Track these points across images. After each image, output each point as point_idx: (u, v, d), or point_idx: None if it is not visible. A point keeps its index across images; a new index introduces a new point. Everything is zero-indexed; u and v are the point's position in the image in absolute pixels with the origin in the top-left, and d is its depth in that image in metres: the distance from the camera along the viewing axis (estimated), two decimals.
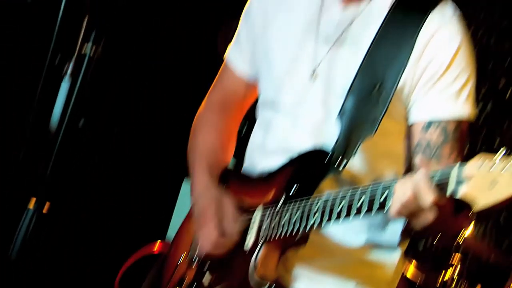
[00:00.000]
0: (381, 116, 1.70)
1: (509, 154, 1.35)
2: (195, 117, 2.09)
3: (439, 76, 1.70)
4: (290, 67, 1.85)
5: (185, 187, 3.64)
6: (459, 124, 1.72)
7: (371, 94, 1.72)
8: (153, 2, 3.50)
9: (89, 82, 1.38)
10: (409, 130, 1.77)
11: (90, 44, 1.38)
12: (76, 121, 1.40)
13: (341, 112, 1.74)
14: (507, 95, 3.73)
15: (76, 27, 1.43)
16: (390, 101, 1.70)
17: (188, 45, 3.67)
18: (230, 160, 2.04)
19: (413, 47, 1.70)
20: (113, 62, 3.21)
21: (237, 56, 2.03)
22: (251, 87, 2.02)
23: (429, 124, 1.72)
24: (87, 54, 1.36)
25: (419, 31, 1.71)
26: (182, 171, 2.10)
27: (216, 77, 2.11)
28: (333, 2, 1.82)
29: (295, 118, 1.83)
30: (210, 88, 2.11)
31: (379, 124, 1.71)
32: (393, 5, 1.77)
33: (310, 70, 1.81)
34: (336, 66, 1.78)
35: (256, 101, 2.02)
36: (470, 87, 1.72)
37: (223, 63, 2.08)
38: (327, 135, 1.76)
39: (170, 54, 3.67)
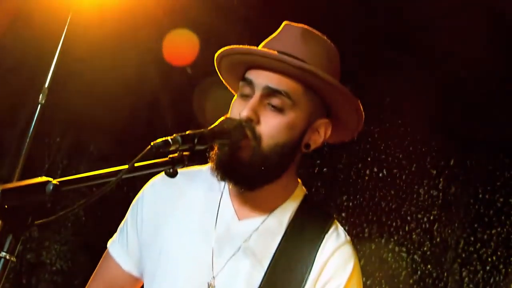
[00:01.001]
0: None
1: None
2: None
3: None
4: (186, 274, 1.84)
5: None
6: None
7: None
8: None
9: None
10: None
11: (4, 252, 1.36)
12: None
13: None
14: None
15: None
16: None
17: None
18: None
19: (311, 267, 1.81)
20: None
21: (123, 254, 1.99)
22: (137, 281, 1.98)
23: None
24: (2, 259, 1.35)
25: (317, 253, 1.83)
26: None
27: (97, 269, 2.05)
28: (229, 213, 1.89)
29: None
30: (91, 280, 2.05)
31: None
32: (290, 223, 1.87)
33: (207, 281, 1.82)
34: (235, 279, 1.81)
35: None
36: None
37: (105, 253, 2.04)
38: None
39: None
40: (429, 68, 3.91)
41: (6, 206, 1.33)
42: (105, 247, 2.06)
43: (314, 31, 1.92)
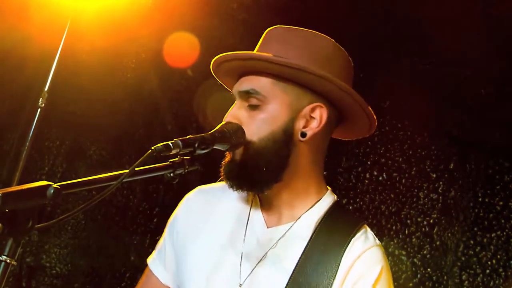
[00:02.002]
0: None
1: None
2: None
3: None
4: (215, 282, 1.86)
5: None
6: None
7: None
8: None
9: None
10: None
11: (4, 256, 1.36)
12: None
13: None
14: None
15: None
16: None
17: None
18: None
19: (337, 270, 1.78)
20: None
21: (161, 267, 2.04)
22: None
23: None
24: (2, 263, 1.35)
25: (343, 255, 1.80)
26: None
27: (139, 285, 2.09)
28: (258, 222, 1.91)
29: None
30: None
31: None
32: (316, 228, 1.86)
33: (235, 287, 1.83)
34: (261, 285, 1.81)
35: None
36: None
37: (145, 270, 2.09)
38: None
39: None
40: (429, 72, 3.91)
41: (6, 210, 1.33)
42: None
43: (293, 27, 1.94)
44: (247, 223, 1.92)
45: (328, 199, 1.94)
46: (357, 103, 1.90)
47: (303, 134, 1.87)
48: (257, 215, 1.92)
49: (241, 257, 1.86)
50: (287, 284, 1.78)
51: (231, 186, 1.85)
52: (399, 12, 3.86)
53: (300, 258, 1.81)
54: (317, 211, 1.90)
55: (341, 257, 1.79)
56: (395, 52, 3.98)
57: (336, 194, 1.98)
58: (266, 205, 1.92)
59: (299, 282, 1.78)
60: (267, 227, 1.89)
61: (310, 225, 1.87)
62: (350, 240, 1.82)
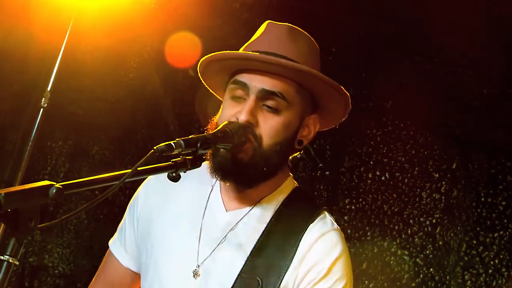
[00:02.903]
0: None
1: None
2: None
3: (318, 281, 1.80)
4: (174, 264, 1.89)
5: None
6: None
7: None
8: None
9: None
10: None
11: (6, 256, 1.36)
12: None
13: None
14: None
15: None
16: None
17: None
18: None
19: (294, 253, 1.82)
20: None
21: (121, 249, 2.07)
22: (137, 276, 2.04)
23: None
24: (5, 262, 1.35)
25: (301, 239, 1.84)
26: None
27: (100, 267, 2.12)
28: (217, 205, 1.94)
29: None
30: (94, 278, 2.12)
31: None
32: (275, 212, 1.90)
33: (193, 269, 1.86)
34: (218, 266, 1.85)
35: None
36: None
37: (107, 252, 2.11)
38: None
39: None
40: (431, 72, 3.91)
41: (9, 210, 1.33)
42: (107, 250, 2.11)
43: (298, 28, 1.96)
44: (205, 207, 1.93)
45: (288, 185, 1.97)
46: (347, 110, 1.94)
47: (300, 143, 1.93)
48: (217, 198, 1.94)
49: (199, 240, 1.88)
50: (244, 265, 1.82)
51: (223, 179, 1.86)
52: (401, 12, 3.86)
53: (258, 240, 1.84)
54: (277, 196, 1.93)
55: (299, 242, 1.82)
56: (397, 52, 3.97)
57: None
58: (229, 190, 1.93)
59: (256, 264, 1.81)
60: (226, 210, 1.91)
61: (269, 209, 1.90)
62: (308, 225, 1.86)
